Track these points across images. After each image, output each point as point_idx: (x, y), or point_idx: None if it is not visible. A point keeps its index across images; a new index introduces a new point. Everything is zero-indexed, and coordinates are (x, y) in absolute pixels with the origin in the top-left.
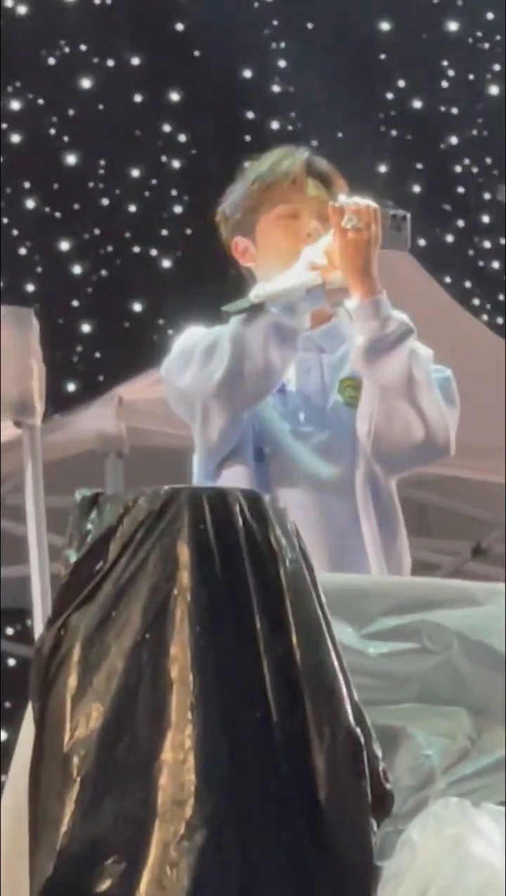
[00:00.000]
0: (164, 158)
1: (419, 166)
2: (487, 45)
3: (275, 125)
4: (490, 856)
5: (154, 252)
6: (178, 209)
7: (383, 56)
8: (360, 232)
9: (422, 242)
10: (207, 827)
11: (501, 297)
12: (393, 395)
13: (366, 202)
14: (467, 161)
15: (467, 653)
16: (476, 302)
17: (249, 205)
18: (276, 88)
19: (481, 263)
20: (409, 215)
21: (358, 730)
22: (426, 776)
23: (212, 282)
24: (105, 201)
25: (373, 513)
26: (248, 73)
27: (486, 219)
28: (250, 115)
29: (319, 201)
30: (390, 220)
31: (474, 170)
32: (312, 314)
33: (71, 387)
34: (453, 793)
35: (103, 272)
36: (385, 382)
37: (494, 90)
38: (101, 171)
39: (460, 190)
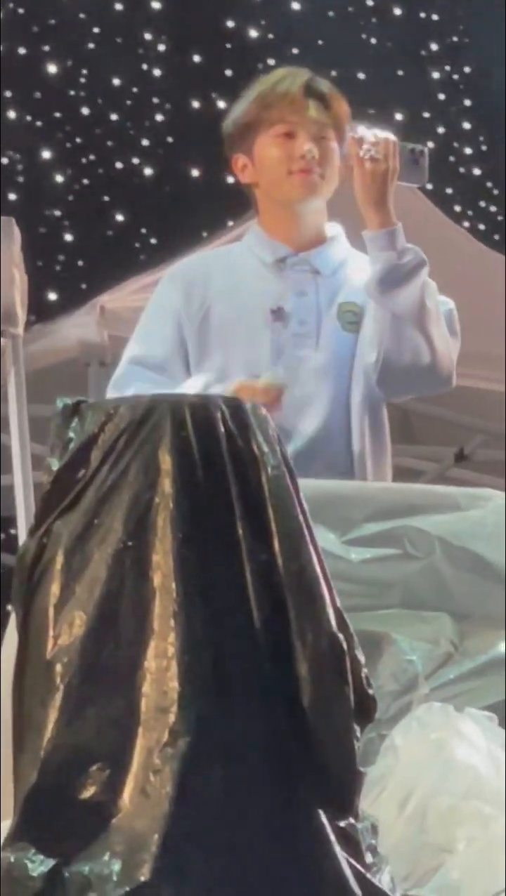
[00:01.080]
0: (145, 67)
1: (400, 73)
2: None
3: (254, 34)
4: (474, 760)
5: (136, 161)
6: (159, 118)
7: None
8: (377, 163)
9: None
10: (191, 734)
11: (481, 203)
12: (405, 323)
13: (385, 134)
14: (447, 67)
15: (450, 558)
16: (457, 209)
17: (248, 122)
18: None
19: (461, 170)
20: (427, 149)
21: (341, 635)
22: (410, 681)
23: (193, 190)
24: (86, 110)
25: (368, 433)
26: None
27: (466, 125)
28: (231, 23)
29: (317, 123)
30: (407, 154)
31: (455, 77)
32: (309, 231)
33: (53, 296)
34: (437, 698)
35: (85, 181)
36: (399, 310)
37: None
38: (83, 80)
39: (441, 97)
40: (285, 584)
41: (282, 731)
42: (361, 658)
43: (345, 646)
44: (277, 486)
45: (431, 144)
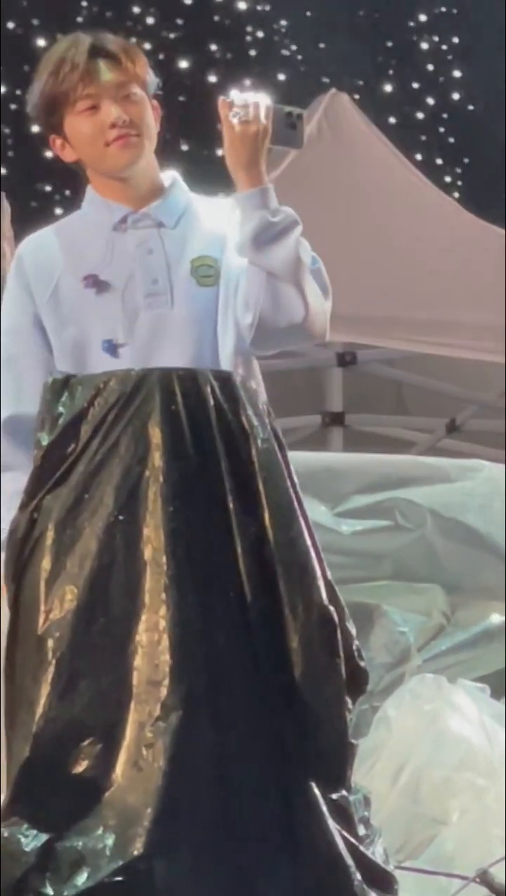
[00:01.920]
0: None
1: (389, 44)
2: None
3: (243, 5)
4: (466, 732)
5: None
6: None
7: None
8: (247, 125)
9: (393, 120)
10: (183, 707)
11: (471, 173)
12: (280, 280)
13: (257, 97)
14: (435, 38)
15: (441, 529)
16: (447, 179)
17: (47, 104)
18: None
19: (451, 140)
20: (305, 113)
21: (332, 608)
22: (402, 653)
23: (184, 164)
24: None
25: None
26: None
27: (456, 96)
28: None
29: (116, 84)
30: (284, 117)
31: (443, 47)
32: (144, 187)
33: None
34: (429, 669)
35: None
36: (275, 266)
37: None
38: None
39: (429, 67)
40: (276, 557)
41: (273, 703)
42: (353, 630)
43: (336, 618)
44: (267, 458)
45: (420, 115)
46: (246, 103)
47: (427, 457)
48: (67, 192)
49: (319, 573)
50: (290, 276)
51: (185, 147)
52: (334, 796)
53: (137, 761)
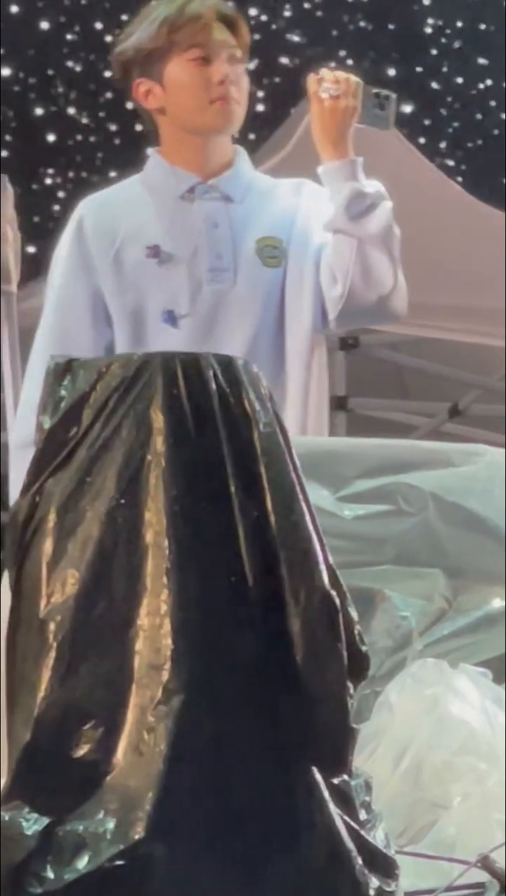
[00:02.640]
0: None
1: (391, 27)
2: None
3: None
4: (468, 716)
5: (130, 110)
6: None
7: None
8: (336, 100)
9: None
10: (184, 691)
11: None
12: (374, 248)
13: (347, 75)
14: (439, 22)
15: (443, 514)
16: (450, 163)
17: (156, 46)
18: None
19: (455, 124)
20: (394, 96)
21: (334, 592)
22: (403, 637)
23: None
24: (79, 67)
25: (312, 377)
26: None
27: (459, 80)
28: None
29: (228, 46)
30: (372, 98)
31: (447, 31)
32: (216, 158)
33: (48, 252)
34: (431, 654)
35: (78, 137)
36: (369, 235)
37: None
38: (76, 37)
39: (433, 52)
40: (278, 541)
41: (275, 688)
42: (355, 615)
43: (338, 602)
44: (269, 442)
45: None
46: (337, 79)
47: (429, 441)
48: (70, 175)
49: (320, 557)
50: (383, 245)
51: None
52: (335, 781)
53: (139, 745)
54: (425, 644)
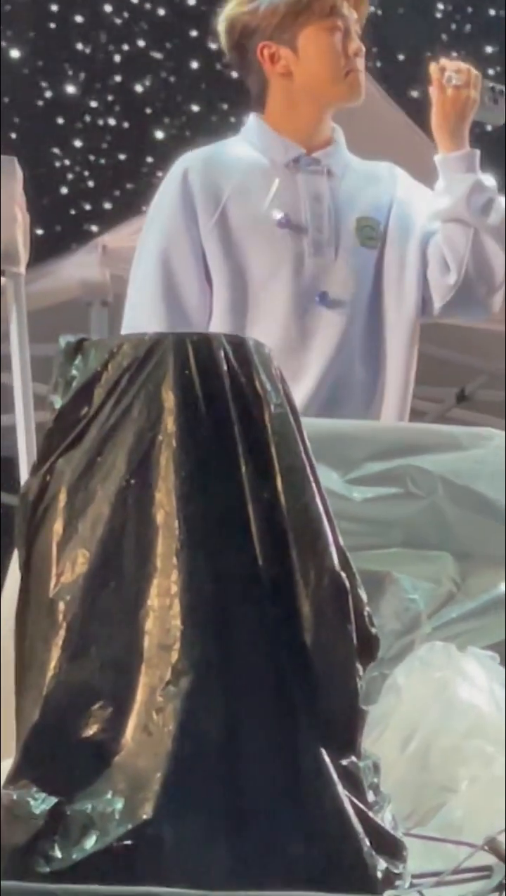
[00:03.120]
0: (148, 6)
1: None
2: None
3: None
4: (476, 699)
5: (138, 93)
6: (158, 55)
7: None
8: (459, 90)
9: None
10: (194, 672)
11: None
12: (492, 240)
13: (468, 66)
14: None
15: (452, 497)
16: None
17: (295, 10)
18: None
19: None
20: None
21: (343, 574)
22: (412, 620)
23: (197, 127)
24: (88, 49)
25: (413, 370)
26: None
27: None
28: None
29: (356, 21)
30: (488, 91)
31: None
32: (322, 131)
33: (56, 234)
34: (439, 637)
35: (87, 118)
36: (488, 227)
37: None
38: (84, 19)
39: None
40: (288, 523)
41: (284, 669)
42: (364, 597)
43: (347, 584)
44: (279, 424)
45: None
46: (460, 69)
47: (438, 425)
48: (79, 157)
49: (330, 540)
50: (499, 239)
51: (195, 108)
52: (344, 762)
53: (148, 725)
54: (433, 627)
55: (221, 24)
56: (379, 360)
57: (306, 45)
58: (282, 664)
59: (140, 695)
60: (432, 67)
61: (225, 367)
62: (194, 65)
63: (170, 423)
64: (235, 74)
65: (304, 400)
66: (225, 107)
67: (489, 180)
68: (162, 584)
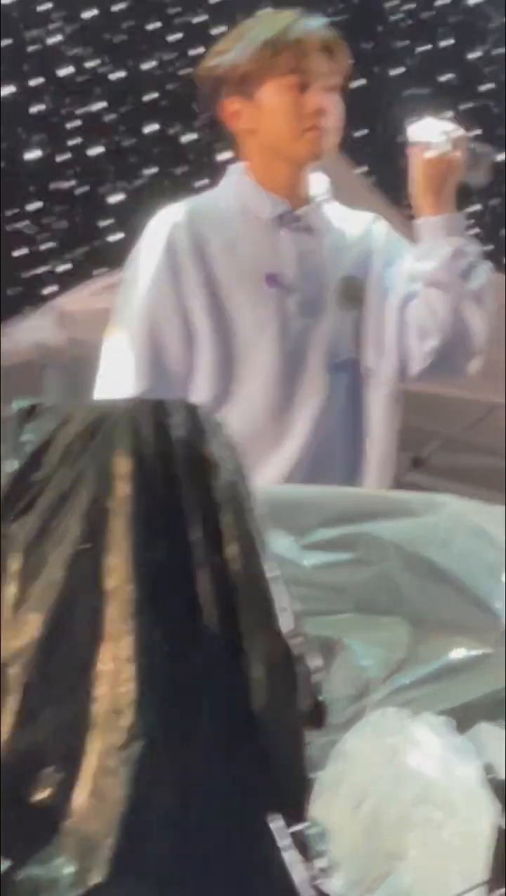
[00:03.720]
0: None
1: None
2: None
3: None
4: (426, 766)
5: (93, 156)
6: (113, 118)
7: None
8: (441, 151)
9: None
10: (145, 736)
11: None
12: (473, 306)
13: (452, 125)
14: None
15: (404, 563)
16: None
17: (256, 67)
18: None
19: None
20: (492, 150)
21: (294, 640)
22: (364, 686)
23: (149, 190)
24: (44, 112)
25: (394, 435)
26: None
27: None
28: None
29: (326, 74)
30: (472, 152)
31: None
32: (303, 186)
33: (11, 297)
34: (391, 703)
35: (42, 181)
36: (469, 293)
37: None
38: (38, 84)
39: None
40: (239, 589)
41: (235, 735)
42: (315, 663)
43: (298, 651)
44: (231, 490)
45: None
46: (445, 130)
47: (390, 490)
48: (34, 221)
49: (282, 605)
50: (481, 305)
51: (149, 171)
52: (293, 829)
53: (99, 790)
54: (384, 693)
55: (196, 79)
56: (362, 424)
57: (267, 100)
58: (232, 730)
59: (91, 760)
60: (413, 127)
61: (178, 434)
62: (148, 129)
63: (122, 489)
64: (187, 138)
65: (289, 462)
66: (179, 171)
67: (472, 243)
68: (114, 649)
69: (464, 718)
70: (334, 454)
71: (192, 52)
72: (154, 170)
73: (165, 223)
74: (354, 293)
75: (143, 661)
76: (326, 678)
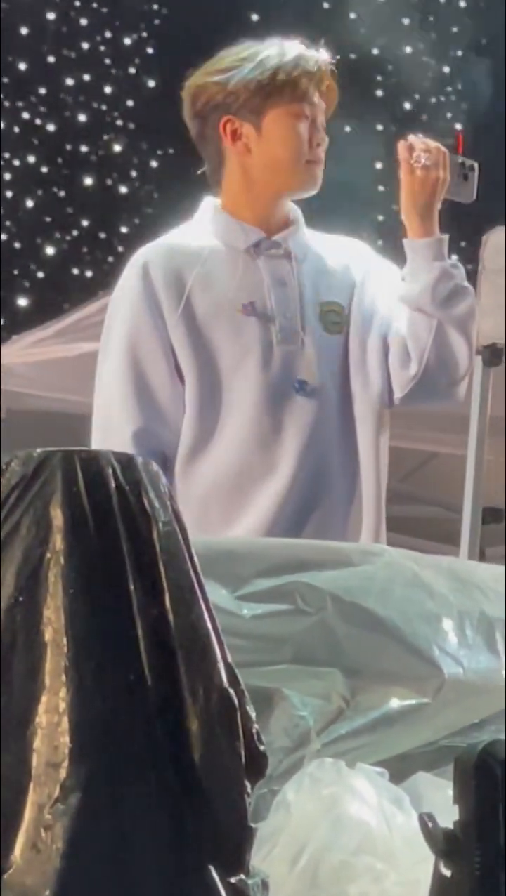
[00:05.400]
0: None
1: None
2: None
3: None
4: (365, 816)
5: (28, 208)
6: (47, 170)
7: None
8: (428, 170)
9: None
10: (82, 789)
11: None
12: (456, 330)
13: (436, 144)
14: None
15: (341, 614)
16: None
17: (267, 91)
18: None
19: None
20: (477, 165)
21: (232, 691)
22: (301, 737)
23: (85, 242)
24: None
25: (383, 463)
26: None
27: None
28: None
29: (322, 109)
30: (457, 168)
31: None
32: (281, 214)
33: None
34: (329, 753)
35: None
36: (453, 318)
37: None
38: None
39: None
40: (176, 640)
41: (173, 786)
42: (253, 714)
43: (236, 701)
44: (167, 541)
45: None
46: (428, 148)
47: (328, 541)
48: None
49: (219, 656)
50: (464, 329)
51: (85, 223)
52: (233, 880)
53: (36, 843)
54: (322, 744)
55: (185, 91)
56: (353, 451)
57: (272, 126)
58: (170, 781)
59: (28, 812)
60: (400, 146)
61: (113, 485)
62: (88, 181)
63: (58, 541)
64: (126, 190)
65: (284, 489)
66: (123, 230)
67: (458, 267)
68: (51, 701)
69: (403, 768)
70: (329, 477)
71: (129, 103)
72: (88, 222)
73: (139, 262)
74: (336, 318)
75: (80, 713)
76: (265, 729)
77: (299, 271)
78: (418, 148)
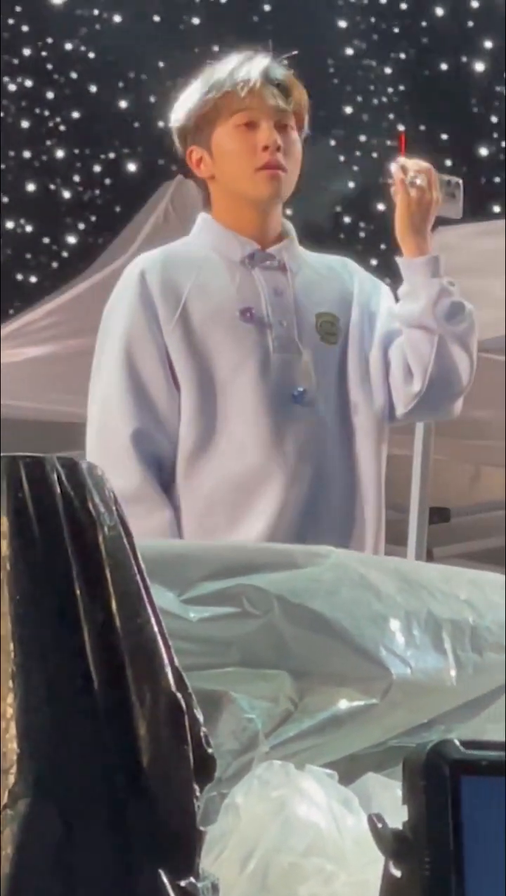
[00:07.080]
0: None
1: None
2: None
3: None
4: (315, 817)
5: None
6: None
7: None
8: (423, 191)
9: None
10: (30, 795)
11: None
12: (458, 347)
13: (428, 165)
14: None
15: (288, 616)
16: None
17: (205, 113)
18: None
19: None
20: (461, 182)
21: (179, 695)
22: (250, 740)
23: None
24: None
25: (382, 475)
26: None
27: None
28: None
29: (278, 111)
30: (445, 186)
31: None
32: (272, 226)
33: None
34: (277, 756)
35: None
36: (454, 334)
37: None
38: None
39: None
40: (123, 644)
41: (121, 791)
42: (201, 717)
43: (183, 705)
44: (113, 545)
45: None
46: (421, 168)
47: (274, 543)
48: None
49: (166, 660)
50: (466, 346)
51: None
52: (182, 883)
53: None
54: (271, 746)
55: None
56: (352, 461)
57: (217, 146)
58: (119, 786)
59: None
60: (394, 167)
61: (58, 490)
62: (31, 186)
63: (3, 547)
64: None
65: (284, 496)
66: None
67: (454, 284)
68: None
69: (352, 769)
70: (329, 485)
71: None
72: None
73: (136, 271)
74: (332, 329)
75: (27, 718)
76: (213, 732)
77: (294, 283)
78: (412, 168)
